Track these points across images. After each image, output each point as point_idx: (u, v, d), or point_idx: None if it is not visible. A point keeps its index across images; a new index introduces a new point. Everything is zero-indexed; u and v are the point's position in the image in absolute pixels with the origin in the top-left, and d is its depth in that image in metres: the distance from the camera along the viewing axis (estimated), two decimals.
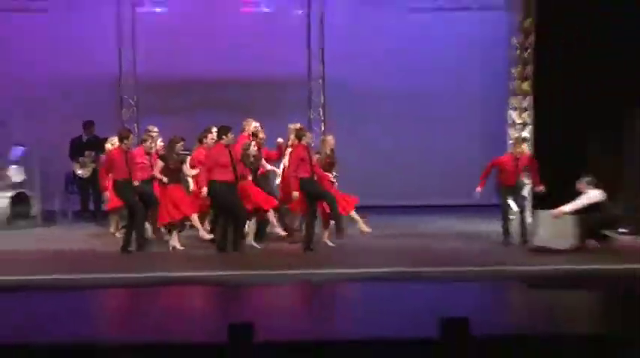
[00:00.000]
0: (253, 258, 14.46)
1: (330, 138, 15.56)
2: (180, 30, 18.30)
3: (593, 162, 16.44)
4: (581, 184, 14.76)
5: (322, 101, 18.11)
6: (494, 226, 16.16)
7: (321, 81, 18.13)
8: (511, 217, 15.42)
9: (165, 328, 10.49)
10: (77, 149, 18.39)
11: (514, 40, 17.63)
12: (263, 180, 15.49)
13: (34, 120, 17.68)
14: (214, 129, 14.99)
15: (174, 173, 15.11)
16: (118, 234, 15.56)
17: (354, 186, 15.80)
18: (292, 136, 15.20)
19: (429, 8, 17.81)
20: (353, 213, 15.35)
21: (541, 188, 15.33)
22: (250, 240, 15.21)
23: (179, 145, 15.17)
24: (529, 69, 17.43)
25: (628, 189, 16.38)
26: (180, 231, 15.22)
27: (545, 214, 14.72)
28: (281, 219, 15.59)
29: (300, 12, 17.93)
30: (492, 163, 15.67)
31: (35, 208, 17.81)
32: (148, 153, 15.18)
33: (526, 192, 16.25)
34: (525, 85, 17.42)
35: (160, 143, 15.31)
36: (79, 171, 18.38)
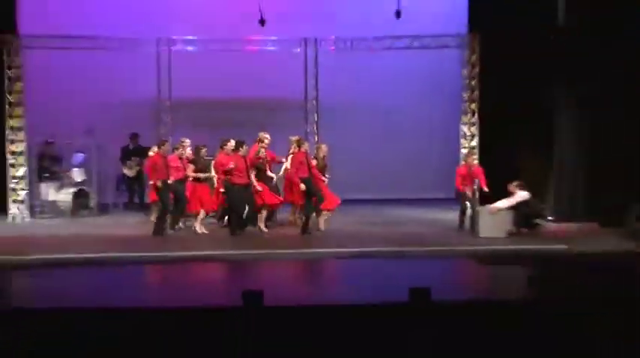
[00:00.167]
0: (262, 240, 14.34)
1: (323, 147, 15.48)
2: (205, 64, 18.24)
3: (524, 166, 16.45)
4: (511, 187, 14.66)
5: (316, 118, 18.05)
6: (450, 215, 16.09)
7: (315, 102, 18.06)
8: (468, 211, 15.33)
9: (192, 295, 10.42)
10: (125, 155, 18.35)
11: (464, 72, 17.54)
12: (268, 179, 15.35)
13: (92, 133, 17.53)
14: (232, 140, 14.89)
15: (201, 173, 15.01)
16: (152, 218, 15.40)
17: (341, 184, 15.73)
18: (294, 145, 15.07)
19: (398, 47, 17.70)
20: (325, 212, 15.18)
21: (486, 190, 15.20)
22: (261, 225, 15.05)
23: (203, 151, 15.13)
24: (475, 93, 17.36)
25: (552, 188, 16.28)
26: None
27: (484, 210, 14.60)
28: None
29: (298, 50, 17.88)
30: (457, 172, 15.51)
31: (93, 201, 17.69)
32: (180, 158, 15.04)
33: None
34: (473, 106, 17.37)
35: (188, 151, 15.19)
36: (127, 172, 18.35)
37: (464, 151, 16.96)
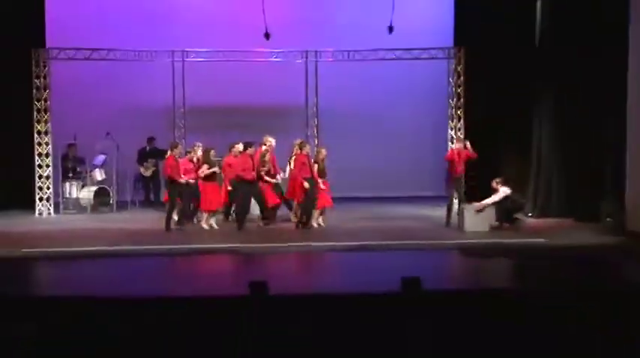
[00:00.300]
0: (265, 234, 14.20)
1: (323, 151, 15.32)
2: (216, 73, 18.15)
3: (506, 166, 16.43)
4: (494, 183, 14.54)
5: (316, 123, 18.00)
6: (438, 212, 16.00)
7: (315, 108, 18.02)
8: (455, 204, 15.17)
9: (202, 285, 10.30)
10: (142, 156, 18.26)
11: (451, 80, 17.53)
12: (272, 178, 15.22)
13: (112, 137, 17.45)
14: (241, 143, 14.85)
15: (211, 174, 14.86)
16: (175, 217, 15.22)
17: (339, 183, 15.60)
18: (296, 148, 14.93)
19: (391, 58, 17.62)
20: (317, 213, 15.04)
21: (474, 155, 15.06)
22: (259, 222, 14.98)
23: (212, 153, 14.98)
24: (462, 100, 17.34)
25: (531, 186, 16.20)
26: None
27: (469, 207, 14.48)
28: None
29: (299, 61, 17.80)
30: (446, 158, 15.44)
31: (112, 199, 17.56)
32: (191, 161, 14.90)
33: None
34: (459, 112, 17.34)
35: (199, 153, 15.06)
36: (143, 172, 18.27)
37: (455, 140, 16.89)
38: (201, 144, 15.17)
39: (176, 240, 13.58)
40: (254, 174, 14.65)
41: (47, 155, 16.79)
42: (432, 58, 17.65)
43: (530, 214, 15.72)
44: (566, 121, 15.57)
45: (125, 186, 18.09)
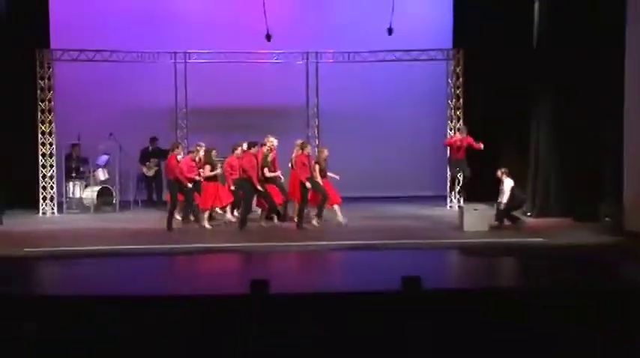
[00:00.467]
0: (266, 234, 14.13)
1: (325, 151, 15.25)
2: (218, 75, 18.08)
3: (504, 165, 16.35)
4: (499, 172, 14.49)
5: (316, 123, 17.95)
6: (437, 211, 15.95)
7: (315, 109, 17.96)
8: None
9: (203, 284, 10.25)
10: (145, 156, 18.18)
11: (450, 82, 17.49)
12: (274, 178, 15.15)
13: (115, 137, 17.39)
14: (244, 144, 14.83)
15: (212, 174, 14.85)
16: (178, 217, 15.16)
17: (340, 183, 15.52)
18: (297, 148, 14.87)
19: (391, 60, 17.57)
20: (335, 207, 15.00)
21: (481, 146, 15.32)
22: (262, 222, 14.90)
23: (213, 153, 14.94)
24: (460, 101, 17.30)
25: (530, 186, 16.14)
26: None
27: (468, 207, 14.40)
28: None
29: (300, 62, 17.75)
30: (445, 143, 15.77)
31: (115, 199, 17.46)
32: (194, 160, 14.84)
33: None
34: (458, 112, 17.32)
35: (201, 153, 14.99)
36: (146, 172, 18.19)
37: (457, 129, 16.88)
38: (203, 145, 15.12)
39: (178, 239, 13.54)
40: (259, 173, 14.55)
41: (51, 155, 16.75)
42: (432, 60, 17.62)
43: (529, 214, 15.68)
44: (564, 122, 15.54)
45: (128, 186, 18.04)
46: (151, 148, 18.17)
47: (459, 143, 15.48)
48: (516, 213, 14.70)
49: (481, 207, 14.57)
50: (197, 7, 18.88)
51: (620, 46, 13.88)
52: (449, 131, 17.30)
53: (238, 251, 12.77)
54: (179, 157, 14.65)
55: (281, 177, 15.22)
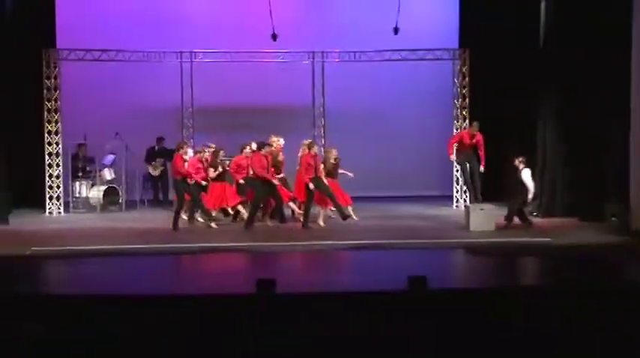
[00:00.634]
0: (273, 233, 14.11)
1: (333, 151, 15.22)
2: (224, 74, 18.10)
3: (510, 165, 16.33)
4: (516, 161, 14.32)
5: (322, 123, 17.94)
6: (443, 211, 15.93)
7: (321, 108, 17.96)
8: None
9: (208, 283, 10.25)
10: (150, 156, 18.17)
11: (456, 81, 17.50)
12: (282, 179, 15.16)
13: (121, 137, 17.42)
14: (253, 143, 14.85)
15: (219, 174, 14.82)
16: (184, 216, 15.15)
17: (345, 183, 15.52)
18: (305, 148, 14.86)
19: (397, 59, 17.56)
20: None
21: (482, 166, 15.39)
22: (267, 221, 14.96)
23: (221, 154, 14.91)
24: (466, 101, 17.30)
25: (536, 186, 16.05)
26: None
27: (474, 207, 14.37)
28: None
29: (306, 62, 17.75)
30: (457, 138, 15.72)
31: (121, 198, 17.47)
32: (201, 161, 14.83)
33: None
34: (464, 112, 17.31)
35: (206, 154, 14.98)
36: (152, 172, 18.17)
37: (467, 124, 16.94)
38: (214, 145, 15.13)
39: (184, 239, 13.53)
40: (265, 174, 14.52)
41: (57, 154, 16.76)
42: (438, 59, 17.60)
43: (535, 214, 15.63)
44: (570, 122, 15.49)
45: (134, 185, 18.04)
46: (157, 148, 18.16)
47: (468, 140, 15.33)
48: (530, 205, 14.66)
49: (487, 206, 14.53)
50: (203, 7, 18.88)
51: (627, 46, 13.85)
52: (455, 131, 17.29)
53: (244, 250, 12.77)
54: (186, 157, 14.62)
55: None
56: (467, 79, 17.28)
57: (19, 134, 16.73)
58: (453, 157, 15.81)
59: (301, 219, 14.78)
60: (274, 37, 16.14)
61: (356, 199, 15.68)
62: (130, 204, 17.60)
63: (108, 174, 17.34)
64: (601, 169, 14.91)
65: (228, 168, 15.18)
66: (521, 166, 14.26)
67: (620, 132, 14.22)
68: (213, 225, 14.65)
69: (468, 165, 15.42)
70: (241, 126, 17.86)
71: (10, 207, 15.94)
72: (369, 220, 15.42)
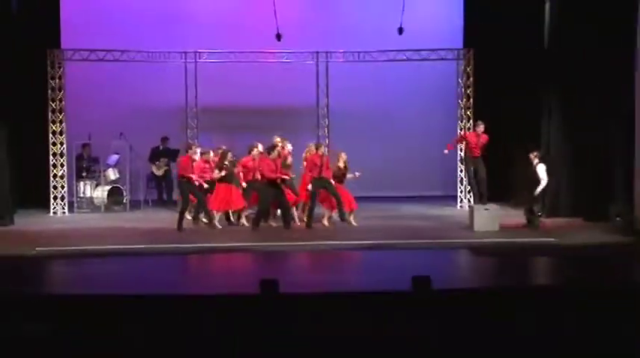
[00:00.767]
0: (277, 233, 14.12)
1: (343, 155, 15.18)
2: (228, 75, 18.07)
3: (514, 165, 16.39)
4: (531, 155, 14.30)
5: (326, 124, 17.95)
6: (447, 211, 15.92)
7: (325, 109, 17.96)
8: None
9: (213, 283, 10.25)
10: (155, 155, 18.17)
11: (460, 81, 17.50)
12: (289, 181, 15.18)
13: (125, 137, 17.45)
14: (260, 145, 14.89)
15: (225, 176, 14.76)
16: (188, 216, 15.16)
17: (349, 183, 15.50)
18: (312, 148, 14.96)
19: (401, 59, 17.55)
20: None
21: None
22: (271, 222, 14.95)
23: (229, 156, 14.89)
24: (470, 101, 17.29)
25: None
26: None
27: (478, 207, 14.36)
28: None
29: (310, 62, 17.75)
30: (463, 136, 15.76)
31: (125, 198, 17.49)
32: (207, 162, 14.83)
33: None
34: (468, 112, 17.29)
35: (211, 155, 14.97)
36: (155, 171, 18.17)
37: (461, 154, 16.77)
38: (224, 147, 15.10)
39: (188, 239, 13.54)
40: (278, 176, 14.50)
41: (62, 155, 16.78)
42: (442, 59, 17.58)
43: (539, 214, 15.59)
44: (574, 122, 15.48)
45: (138, 185, 18.07)
46: (161, 147, 18.18)
47: (475, 141, 15.27)
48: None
49: (492, 206, 14.52)
50: (207, 7, 18.88)
51: (631, 46, 13.85)
52: (459, 131, 17.29)
53: (248, 250, 12.78)
54: (195, 157, 14.60)
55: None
56: (471, 78, 17.27)
57: (24, 134, 16.76)
58: (446, 152, 15.78)
59: (305, 220, 14.79)
60: (278, 37, 16.14)
61: (360, 199, 15.66)
62: (134, 204, 17.62)
63: (112, 174, 17.37)
64: (606, 169, 14.89)
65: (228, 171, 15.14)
66: (535, 161, 14.22)
67: (624, 132, 14.21)
68: (217, 224, 14.66)
69: (472, 168, 15.36)
70: (245, 127, 17.88)
71: (14, 207, 15.96)
72: (372, 220, 15.42)
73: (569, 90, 15.51)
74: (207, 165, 14.80)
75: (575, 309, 7.67)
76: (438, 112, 18.86)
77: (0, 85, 15.45)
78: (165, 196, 18.31)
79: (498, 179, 15.88)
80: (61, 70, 16.72)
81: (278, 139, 15.13)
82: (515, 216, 15.12)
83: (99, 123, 17.63)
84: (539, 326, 7.41)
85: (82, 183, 17.23)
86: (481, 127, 15.34)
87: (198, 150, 14.88)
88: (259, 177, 14.57)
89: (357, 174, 15.05)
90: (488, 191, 15.32)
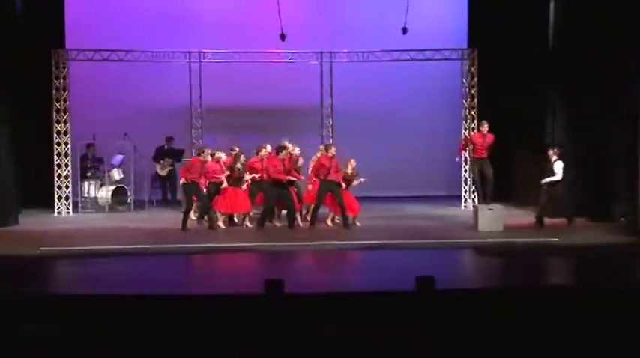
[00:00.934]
0: (281, 234, 14.13)
1: (352, 161, 15.13)
2: (232, 75, 18.12)
3: (518, 165, 16.39)
4: (550, 151, 14.27)
5: (331, 124, 17.97)
6: (451, 211, 15.91)
7: (330, 109, 17.99)
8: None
9: (217, 283, 10.27)
10: (159, 155, 18.16)
11: (464, 81, 17.52)
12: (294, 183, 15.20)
13: (129, 137, 17.47)
14: (268, 146, 14.92)
15: (236, 179, 14.78)
16: (193, 216, 15.18)
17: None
18: (322, 149, 15.01)
19: (405, 59, 17.57)
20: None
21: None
22: (275, 222, 14.99)
23: (242, 158, 14.88)
24: (475, 101, 17.30)
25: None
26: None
27: (482, 207, 14.37)
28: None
29: (314, 62, 17.78)
30: (469, 139, 15.68)
31: (130, 198, 17.52)
32: (218, 162, 14.82)
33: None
34: (472, 112, 17.32)
35: (223, 156, 14.95)
36: (159, 171, 18.18)
37: (465, 154, 16.77)
38: (237, 148, 15.10)
39: (192, 239, 13.56)
40: (285, 177, 14.49)
41: (66, 155, 16.83)
42: (446, 59, 17.62)
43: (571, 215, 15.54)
44: (578, 122, 15.49)
45: (142, 185, 18.09)
46: (166, 147, 18.19)
47: (480, 142, 15.19)
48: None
49: (496, 206, 14.52)
50: (212, 7, 18.92)
51: (636, 46, 13.84)
52: (463, 131, 17.30)
53: (252, 250, 12.79)
54: (209, 158, 14.61)
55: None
56: (475, 78, 17.29)
57: (28, 134, 16.78)
58: (457, 160, 16.06)
59: (308, 219, 14.81)
60: (283, 37, 16.17)
61: (364, 199, 15.68)
62: (139, 204, 17.63)
63: (116, 174, 17.39)
64: (609, 169, 14.88)
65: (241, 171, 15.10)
66: (554, 158, 14.21)
67: (628, 132, 14.20)
68: (220, 224, 14.68)
69: (477, 169, 15.32)
70: (249, 127, 17.92)
71: (19, 208, 16.00)
72: (376, 220, 15.44)
73: (574, 90, 15.53)
74: (218, 166, 14.78)
75: (579, 309, 7.68)
76: (442, 112, 18.88)
77: (5, 85, 15.48)
78: (169, 196, 18.34)
79: (502, 179, 15.87)
80: (66, 70, 16.77)
81: (289, 145, 15.06)
82: (519, 216, 15.13)
83: (103, 123, 17.67)
84: (543, 326, 7.42)
85: (86, 183, 17.27)
86: (486, 127, 15.31)
87: (209, 151, 14.87)
88: (265, 177, 14.57)
89: (362, 180, 15.05)
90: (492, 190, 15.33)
